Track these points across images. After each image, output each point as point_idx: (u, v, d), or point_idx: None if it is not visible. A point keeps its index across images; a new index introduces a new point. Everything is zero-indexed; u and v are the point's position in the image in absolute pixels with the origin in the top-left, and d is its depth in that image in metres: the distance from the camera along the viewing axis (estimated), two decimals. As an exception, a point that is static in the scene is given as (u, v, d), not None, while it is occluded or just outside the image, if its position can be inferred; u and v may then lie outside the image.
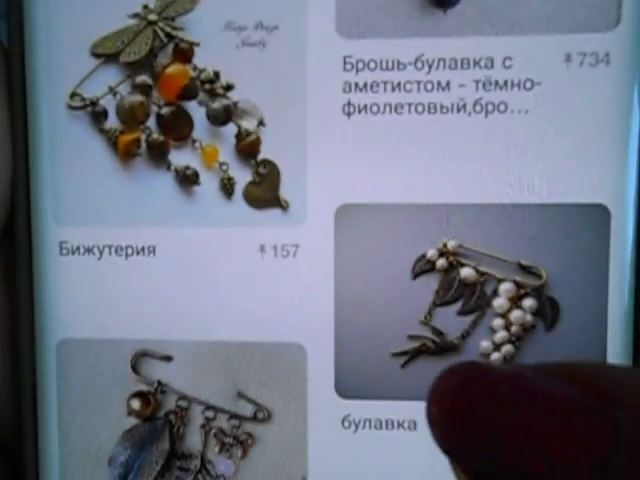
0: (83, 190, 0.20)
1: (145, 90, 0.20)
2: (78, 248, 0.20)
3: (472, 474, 0.09)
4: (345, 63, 0.19)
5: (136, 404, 0.21)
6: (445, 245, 0.19)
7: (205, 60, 0.20)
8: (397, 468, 0.20)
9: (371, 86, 0.19)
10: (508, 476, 0.09)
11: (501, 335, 0.20)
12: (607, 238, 0.19)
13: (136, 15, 0.20)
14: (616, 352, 0.19)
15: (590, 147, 0.19)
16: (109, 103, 0.20)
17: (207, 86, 0.20)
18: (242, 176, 0.20)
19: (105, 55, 0.20)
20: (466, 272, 0.19)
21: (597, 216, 0.19)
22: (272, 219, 0.20)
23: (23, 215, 0.20)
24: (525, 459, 0.08)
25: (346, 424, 0.20)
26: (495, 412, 0.09)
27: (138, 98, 0.20)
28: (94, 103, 0.20)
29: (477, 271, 0.20)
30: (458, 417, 0.09)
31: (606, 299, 0.19)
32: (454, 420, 0.09)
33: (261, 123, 0.20)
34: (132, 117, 0.20)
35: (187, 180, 0.20)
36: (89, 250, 0.20)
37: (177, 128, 0.20)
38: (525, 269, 0.19)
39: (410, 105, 0.19)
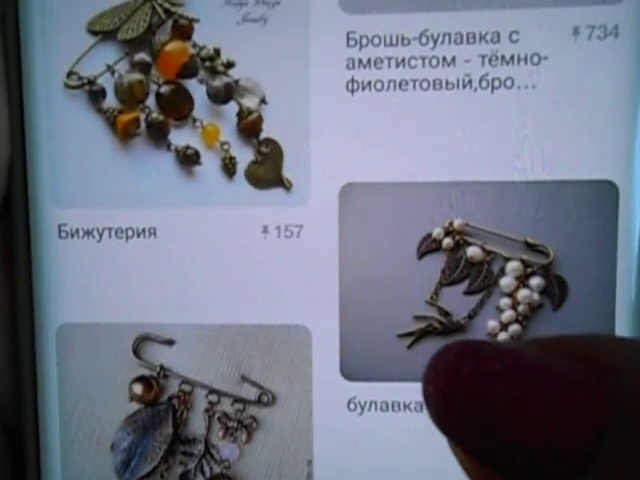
0: (82, 171, 0.20)
1: (144, 68, 0.19)
2: (77, 231, 0.20)
3: (470, 452, 0.09)
4: (348, 39, 0.19)
5: (138, 389, 0.20)
6: (451, 224, 0.19)
7: (205, 37, 0.19)
8: (403, 450, 0.20)
9: (375, 62, 0.19)
10: (506, 452, 0.09)
11: (508, 314, 0.19)
12: (615, 215, 0.19)
13: (134, -9, 0.19)
14: (623, 330, 0.19)
15: (598, 123, 0.18)
16: (107, 82, 0.19)
17: (207, 64, 0.19)
18: (244, 155, 0.19)
19: (102, 32, 0.19)
20: (472, 251, 0.19)
21: (605, 193, 0.19)
22: (275, 199, 0.20)
23: (20, 197, 0.20)
24: (521, 432, 0.08)
25: (352, 407, 0.20)
26: (490, 388, 0.09)
27: (137, 76, 0.19)
28: (92, 82, 0.19)
29: (484, 250, 0.19)
30: (454, 396, 0.09)
31: (614, 277, 0.19)
32: (450, 399, 0.09)
33: (263, 101, 0.19)
34: (131, 96, 0.19)
35: (188, 160, 0.20)
36: (88, 233, 0.20)
37: (177, 107, 0.19)
38: (532, 247, 0.19)
39: (415, 81, 0.19)
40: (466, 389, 0.09)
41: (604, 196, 0.19)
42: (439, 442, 0.20)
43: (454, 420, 0.09)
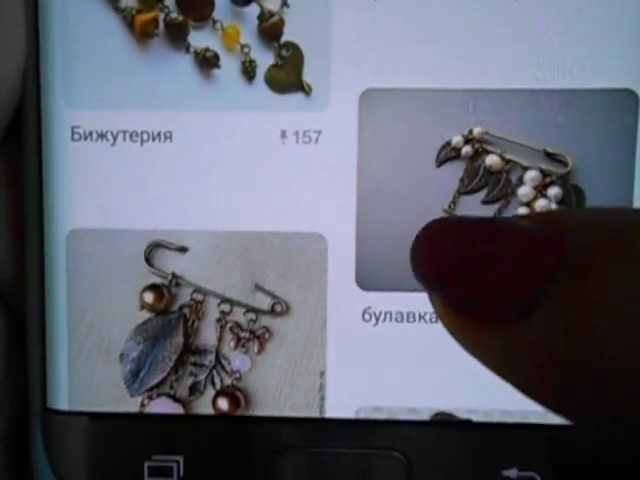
0: (97, 72, 0.19)
1: (164, -34, 0.19)
2: (91, 133, 0.20)
3: (448, 300, 0.11)
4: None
5: (149, 297, 0.20)
6: (471, 132, 0.19)
7: (227, -64, 0.19)
8: (418, 362, 0.20)
9: (398, -34, 0.19)
10: (476, 295, 0.10)
11: (525, 224, 0.19)
12: (635, 124, 0.19)
13: None
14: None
15: (621, 31, 0.19)
16: (126, -20, 0.19)
17: (229, -36, 0.19)
18: (264, 59, 0.19)
19: None
20: (491, 160, 0.19)
21: (625, 102, 0.19)
22: (294, 104, 0.19)
23: (33, 98, 0.19)
24: (489, 278, 0.10)
25: (366, 317, 0.20)
26: (469, 245, 0.10)
27: (156, -25, 0.19)
28: (110, -21, 0.19)
29: (502, 159, 0.19)
30: (438, 250, 0.11)
31: (632, 187, 0.19)
32: (434, 253, 0.11)
33: (285, 4, 0.19)
34: (150, -6, 0.19)
35: (207, 62, 0.19)
36: (102, 135, 0.20)
37: (197, 7, 0.19)
38: (551, 157, 0.19)
39: (439, -15, 0.19)
40: (448, 245, 0.11)
41: (624, 105, 0.19)
42: (454, 353, 0.20)
43: (438, 272, 0.11)
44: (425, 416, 0.20)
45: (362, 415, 0.20)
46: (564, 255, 0.10)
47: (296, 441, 0.20)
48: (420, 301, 0.20)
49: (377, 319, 0.20)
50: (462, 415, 0.20)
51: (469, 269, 0.10)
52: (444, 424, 0.20)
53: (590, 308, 0.09)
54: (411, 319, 0.20)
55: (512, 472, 0.20)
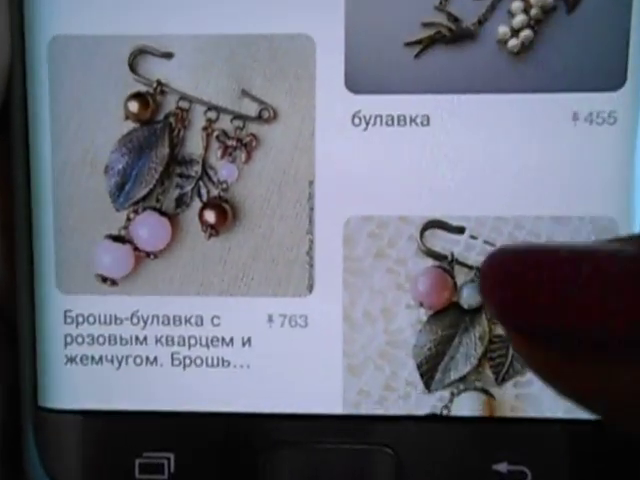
0: None
1: None
2: None
3: (530, 335, 0.10)
4: None
5: (134, 106, 0.20)
6: None
7: None
8: (409, 168, 0.19)
9: None
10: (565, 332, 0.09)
11: (520, 19, 0.19)
12: None
13: None
14: (638, 38, 0.18)
15: None
16: None
17: None
18: None
19: None
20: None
21: None
22: None
23: None
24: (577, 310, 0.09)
25: (356, 121, 0.19)
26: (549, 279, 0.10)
27: None
28: None
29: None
30: (510, 286, 0.10)
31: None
32: (505, 289, 0.10)
33: None
34: None
35: None
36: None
37: None
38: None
39: None
40: (530, 278, 0.10)
41: None
42: (445, 157, 0.20)
43: (518, 305, 0.10)
44: (416, 225, 0.19)
45: (351, 226, 0.20)
46: None
47: (287, 437, 0.20)
48: (411, 103, 0.19)
49: (367, 123, 0.19)
50: (455, 222, 0.19)
51: (557, 301, 0.09)
52: (434, 419, 0.20)
53: None
54: (402, 122, 0.19)
55: (502, 466, 0.20)
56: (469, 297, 0.20)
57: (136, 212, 0.20)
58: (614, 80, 0.19)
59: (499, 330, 0.20)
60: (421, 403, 0.20)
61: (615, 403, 0.10)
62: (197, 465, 0.20)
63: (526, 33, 0.19)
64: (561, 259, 0.09)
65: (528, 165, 0.19)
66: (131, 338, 0.20)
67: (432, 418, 0.20)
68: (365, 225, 0.20)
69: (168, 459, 0.20)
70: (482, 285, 0.10)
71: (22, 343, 0.21)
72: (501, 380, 0.20)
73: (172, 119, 0.20)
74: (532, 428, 0.20)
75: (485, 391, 0.20)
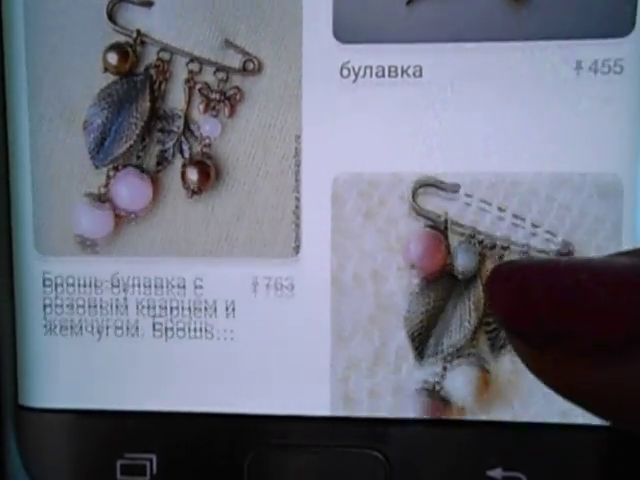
0: None
1: None
2: None
3: (535, 342, 0.10)
4: None
5: (113, 58, 0.19)
6: None
7: None
8: (401, 121, 0.18)
9: None
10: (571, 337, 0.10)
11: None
12: None
13: None
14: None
15: None
16: None
17: None
18: None
19: None
20: None
21: None
22: None
23: None
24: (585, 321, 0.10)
25: (345, 73, 0.18)
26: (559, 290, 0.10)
27: None
28: None
29: None
30: (517, 298, 0.10)
31: None
32: (513, 300, 0.10)
33: None
34: None
35: None
36: None
37: None
38: None
39: None
40: (537, 290, 0.10)
41: None
42: (440, 112, 0.18)
43: (524, 316, 0.10)
44: (409, 183, 0.18)
45: (340, 183, 0.19)
46: None
47: (272, 439, 0.19)
48: (402, 53, 0.18)
49: (356, 75, 0.18)
50: (449, 180, 0.18)
51: (563, 311, 0.10)
52: (427, 422, 0.19)
53: None
54: (393, 74, 0.18)
55: (497, 472, 0.19)
56: (463, 260, 0.18)
57: (116, 169, 0.19)
58: (621, 25, 0.17)
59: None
60: (412, 377, 0.19)
61: (617, 405, 0.10)
62: (180, 467, 0.20)
63: (525, -23, 0.18)
64: (561, 269, 0.10)
65: (527, 118, 0.18)
66: (112, 304, 0.20)
67: (424, 422, 0.19)
68: (354, 182, 0.19)
69: (150, 460, 0.20)
70: (489, 294, 0.11)
71: (1, 311, 0.20)
72: (497, 350, 0.19)
73: (153, 71, 0.19)
74: (527, 433, 0.19)
75: (480, 366, 0.19)
